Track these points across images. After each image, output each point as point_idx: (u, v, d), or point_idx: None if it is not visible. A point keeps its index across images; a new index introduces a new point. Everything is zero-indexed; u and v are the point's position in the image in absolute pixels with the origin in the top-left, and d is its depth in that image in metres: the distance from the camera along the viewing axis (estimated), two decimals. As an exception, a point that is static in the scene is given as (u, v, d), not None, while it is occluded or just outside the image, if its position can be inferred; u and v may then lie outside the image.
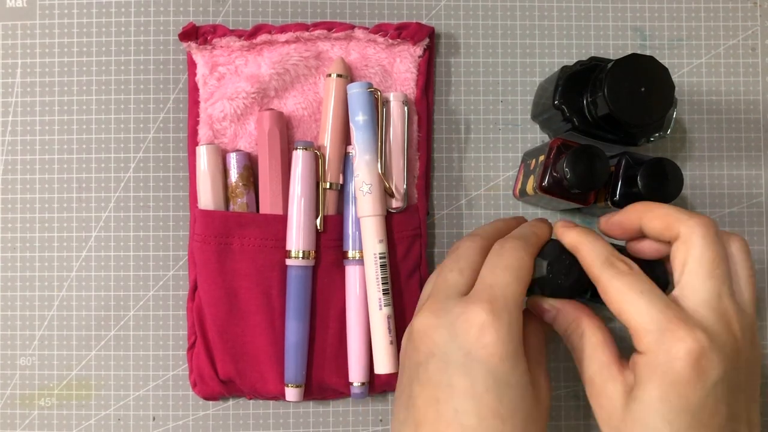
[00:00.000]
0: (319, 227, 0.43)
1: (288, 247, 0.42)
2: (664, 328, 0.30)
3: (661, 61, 0.46)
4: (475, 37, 0.47)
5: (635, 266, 0.33)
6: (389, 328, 0.42)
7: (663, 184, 0.38)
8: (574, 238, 0.35)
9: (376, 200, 0.42)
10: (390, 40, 0.44)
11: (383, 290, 0.42)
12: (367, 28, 0.45)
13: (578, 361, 0.34)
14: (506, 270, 0.34)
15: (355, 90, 0.42)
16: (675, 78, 0.47)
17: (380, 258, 0.42)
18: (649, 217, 0.34)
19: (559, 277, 0.37)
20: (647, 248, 0.36)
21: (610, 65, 0.38)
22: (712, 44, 0.47)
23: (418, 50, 0.45)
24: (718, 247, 0.32)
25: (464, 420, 0.31)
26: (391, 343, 0.42)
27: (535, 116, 0.46)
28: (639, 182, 0.38)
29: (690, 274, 0.32)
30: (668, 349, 0.30)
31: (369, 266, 0.42)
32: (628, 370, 0.32)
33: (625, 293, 0.31)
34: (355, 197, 0.43)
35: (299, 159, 0.42)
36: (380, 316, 0.42)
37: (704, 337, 0.29)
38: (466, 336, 0.32)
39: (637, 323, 0.31)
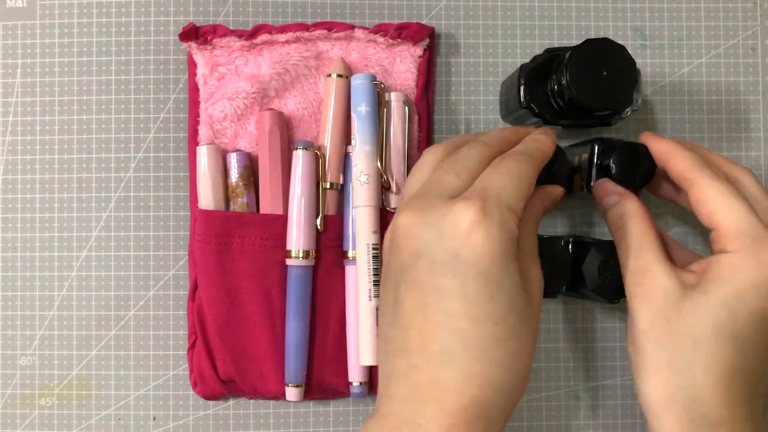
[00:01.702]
0: (319, 227, 0.43)
1: (288, 247, 0.42)
2: (759, 236, 0.31)
3: (661, 61, 0.47)
4: (475, 37, 0.47)
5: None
6: (377, 320, 0.41)
7: (637, 168, 0.38)
8: (663, 146, 0.36)
9: (373, 191, 0.42)
10: (390, 40, 0.44)
11: (374, 281, 0.42)
12: (368, 28, 0.45)
13: (628, 250, 0.34)
14: (506, 174, 0.32)
15: (359, 81, 0.43)
16: (675, 78, 0.47)
17: (373, 249, 0.42)
18: (674, 162, 0.35)
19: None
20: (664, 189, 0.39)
21: (568, 54, 0.38)
22: (712, 44, 0.47)
23: (419, 50, 0.45)
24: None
25: (454, 323, 0.30)
26: (377, 335, 0.42)
27: (505, 116, 0.46)
28: (612, 168, 0.38)
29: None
30: (756, 257, 0.31)
31: (361, 257, 0.42)
32: (686, 271, 0.33)
33: (725, 195, 0.32)
34: (352, 187, 0.43)
35: (299, 159, 0.42)
36: (369, 308, 0.42)
37: None
38: (453, 235, 0.30)
39: (732, 224, 0.32)
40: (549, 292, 0.38)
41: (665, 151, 0.36)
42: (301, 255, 0.42)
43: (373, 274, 0.42)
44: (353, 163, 0.43)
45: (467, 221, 0.30)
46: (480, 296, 0.30)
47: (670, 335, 0.31)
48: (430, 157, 0.35)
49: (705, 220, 0.33)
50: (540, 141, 0.36)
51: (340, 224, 0.44)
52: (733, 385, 0.31)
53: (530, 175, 0.33)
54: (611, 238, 0.37)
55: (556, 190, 0.37)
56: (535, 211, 0.35)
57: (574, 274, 0.40)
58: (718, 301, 0.31)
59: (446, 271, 0.30)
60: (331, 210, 0.44)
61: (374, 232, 0.42)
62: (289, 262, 0.42)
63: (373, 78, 0.43)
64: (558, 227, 0.46)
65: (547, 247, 0.38)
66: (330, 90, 0.43)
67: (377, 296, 0.41)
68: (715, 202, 0.33)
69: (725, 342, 0.31)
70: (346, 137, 0.44)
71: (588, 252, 0.38)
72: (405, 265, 0.31)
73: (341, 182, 0.44)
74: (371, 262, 0.42)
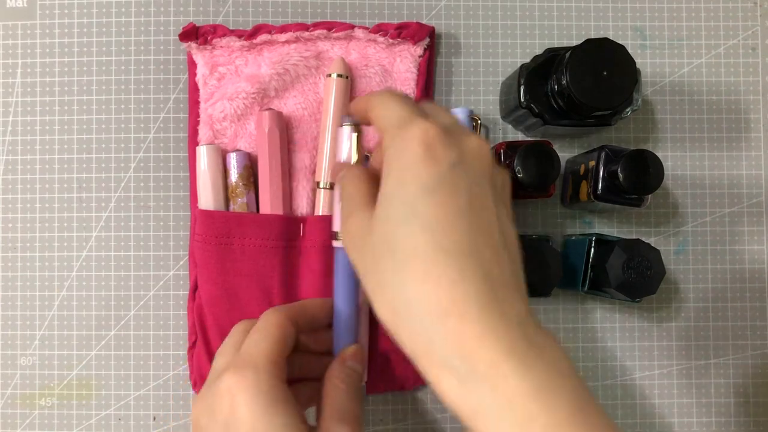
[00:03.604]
0: None
1: (335, 228, 0.40)
2: (406, 120, 0.30)
3: (661, 61, 0.47)
4: (475, 37, 0.47)
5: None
6: None
7: (644, 176, 0.39)
8: (355, 104, 0.35)
9: None
10: (390, 40, 0.44)
11: None
12: (367, 28, 0.45)
13: (342, 205, 0.33)
14: (255, 332, 0.35)
15: (458, 115, 0.42)
16: (675, 78, 0.47)
17: None
18: (358, 106, 0.35)
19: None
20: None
21: (568, 54, 0.38)
22: (712, 44, 0.47)
23: (419, 50, 0.45)
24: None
25: None
26: None
27: (505, 116, 0.46)
28: (620, 174, 0.39)
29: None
30: (404, 135, 0.29)
31: None
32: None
33: (379, 98, 0.32)
34: None
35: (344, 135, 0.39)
36: None
37: (435, 126, 0.29)
38: (221, 408, 0.32)
39: (385, 120, 0.31)
40: (542, 291, 0.39)
41: (360, 106, 0.34)
42: None
43: None
44: None
45: (227, 390, 0.32)
46: None
47: (372, 256, 0.30)
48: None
49: (378, 131, 0.32)
50: (308, 300, 0.39)
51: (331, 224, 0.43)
52: (441, 270, 0.27)
53: (280, 320, 0.35)
54: (628, 238, 0.38)
55: (355, 351, 0.39)
56: (346, 372, 0.37)
57: (597, 272, 0.40)
58: (390, 197, 0.29)
59: None
60: (327, 209, 0.43)
61: None
62: (336, 243, 0.40)
63: (471, 112, 0.43)
64: (557, 227, 0.46)
65: (536, 248, 0.38)
66: (330, 90, 0.43)
67: None
68: (372, 108, 0.32)
69: (410, 228, 0.28)
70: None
71: (612, 250, 0.39)
72: None
73: (341, 182, 0.44)
74: None
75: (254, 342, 0.34)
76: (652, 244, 0.40)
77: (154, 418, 0.45)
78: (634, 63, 0.38)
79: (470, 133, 0.31)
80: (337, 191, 0.36)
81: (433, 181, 0.28)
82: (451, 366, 0.27)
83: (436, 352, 0.27)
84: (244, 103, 0.43)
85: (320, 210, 0.43)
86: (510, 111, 0.44)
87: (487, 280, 0.28)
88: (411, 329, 0.28)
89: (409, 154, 0.29)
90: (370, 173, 0.34)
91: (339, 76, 0.43)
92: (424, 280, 0.27)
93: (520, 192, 0.40)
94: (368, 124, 0.35)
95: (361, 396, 0.37)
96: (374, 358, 0.44)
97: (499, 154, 0.40)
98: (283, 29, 0.44)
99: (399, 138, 0.30)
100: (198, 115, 0.44)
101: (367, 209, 0.31)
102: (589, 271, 0.41)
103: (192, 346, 0.44)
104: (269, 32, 0.44)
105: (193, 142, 0.44)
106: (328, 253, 0.43)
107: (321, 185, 0.43)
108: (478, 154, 0.31)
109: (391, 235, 0.29)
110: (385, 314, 0.29)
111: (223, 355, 0.36)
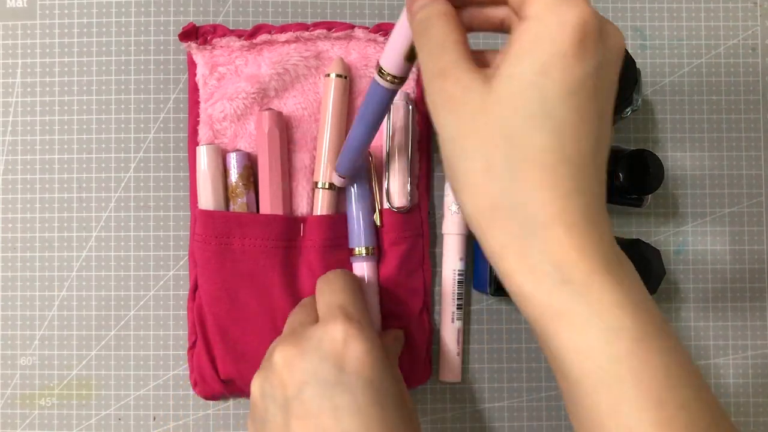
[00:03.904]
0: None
1: (381, 64, 0.34)
2: None
3: (661, 61, 0.47)
4: (475, 36, 0.46)
5: None
6: (458, 341, 0.45)
7: (644, 176, 0.39)
8: None
9: (463, 221, 0.44)
10: (390, 40, 0.44)
11: (458, 305, 0.45)
12: (367, 28, 0.45)
13: (429, 54, 0.28)
14: (344, 290, 0.36)
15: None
16: (675, 78, 0.47)
17: (459, 275, 0.44)
18: None
19: None
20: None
21: None
22: (712, 44, 0.47)
23: (418, 50, 0.45)
24: None
25: None
26: (458, 354, 0.44)
27: None
28: (620, 174, 0.39)
29: None
30: (561, 14, 0.25)
31: (447, 281, 0.45)
32: (492, 68, 0.27)
33: None
34: (443, 215, 0.45)
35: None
36: (452, 329, 0.44)
37: (594, 15, 0.26)
38: (335, 353, 0.32)
39: None
40: None
41: None
42: (389, 78, 0.34)
43: (458, 298, 0.45)
44: (445, 193, 0.45)
45: (343, 338, 0.33)
46: (373, 408, 0.32)
47: (480, 137, 0.26)
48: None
49: None
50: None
51: (331, 223, 0.43)
52: (558, 179, 0.26)
53: (356, 280, 0.39)
54: (628, 238, 0.38)
55: (401, 334, 0.43)
56: (393, 349, 0.42)
57: None
58: (524, 83, 0.26)
59: (338, 388, 0.32)
60: (326, 210, 0.43)
61: (461, 258, 0.44)
62: (380, 81, 0.34)
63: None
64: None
65: None
66: (329, 90, 0.43)
67: (460, 319, 0.45)
68: None
69: (539, 128, 0.26)
70: (345, 136, 0.44)
71: None
72: (290, 397, 0.33)
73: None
74: (456, 287, 0.44)
75: (350, 300, 0.36)
76: (652, 244, 0.40)
77: (154, 418, 0.45)
78: (634, 63, 0.38)
79: (614, 26, 0.27)
80: (407, 23, 0.30)
81: (577, 82, 0.26)
82: (544, 271, 0.26)
83: (533, 257, 0.26)
84: (244, 103, 0.43)
85: (319, 210, 0.43)
86: None
87: (596, 196, 0.27)
88: (509, 229, 0.26)
89: (562, 41, 0.25)
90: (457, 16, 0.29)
91: (338, 76, 0.43)
92: (541, 184, 0.26)
93: None
94: None
95: None
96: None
97: None
98: (283, 29, 0.44)
99: (554, 14, 0.25)
100: (198, 115, 0.44)
101: (471, 70, 0.27)
102: None
103: (192, 346, 0.44)
104: (269, 32, 0.44)
105: (193, 142, 0.44)
106: (327, 253, 0.44)
107: (319, 185, 0.43)
108: (619, 56, 0.27)
109: (514, 127, 0.26)
110: (480, 204, 0.27)
111: (307, 313, 0.37)
